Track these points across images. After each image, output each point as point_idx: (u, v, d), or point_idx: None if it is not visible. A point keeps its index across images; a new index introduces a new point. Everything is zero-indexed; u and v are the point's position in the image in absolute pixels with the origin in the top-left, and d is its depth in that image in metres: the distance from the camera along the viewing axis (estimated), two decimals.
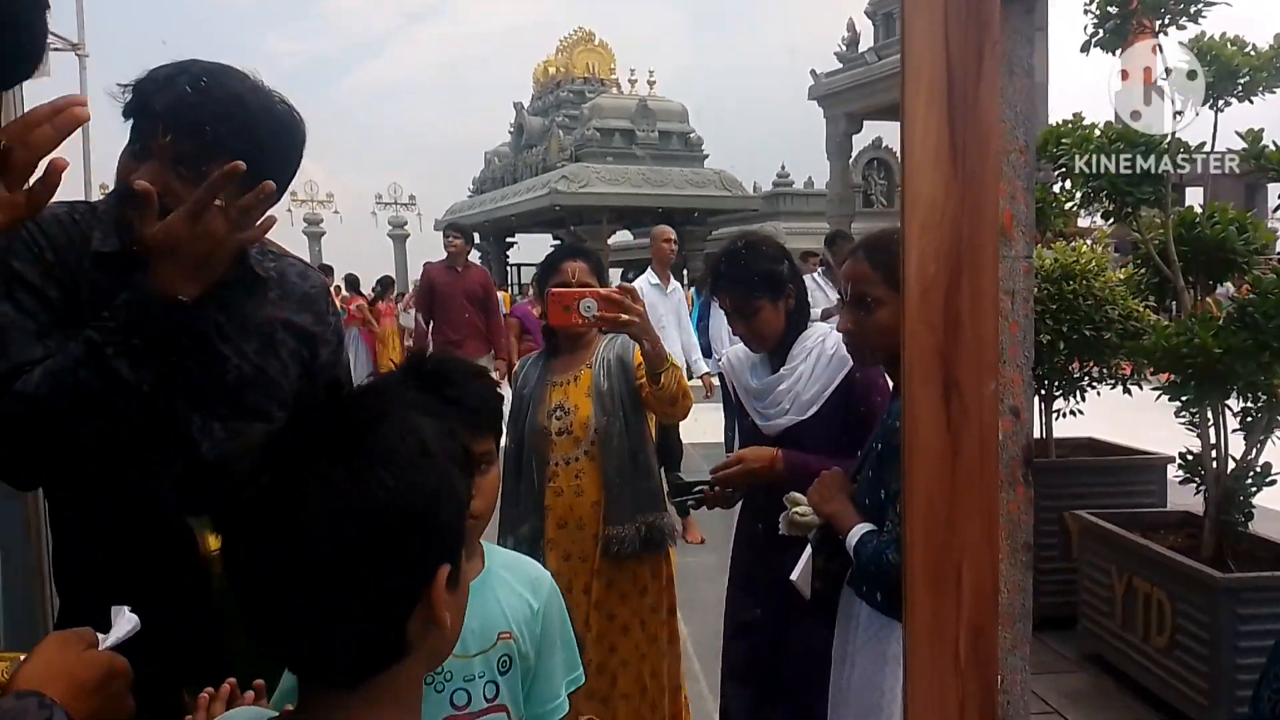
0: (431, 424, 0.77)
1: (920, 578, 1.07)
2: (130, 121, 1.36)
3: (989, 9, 0.97)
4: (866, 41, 20.72)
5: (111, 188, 1.40)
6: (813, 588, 1.97)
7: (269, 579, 0.71)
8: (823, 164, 21.63)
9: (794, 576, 1.99)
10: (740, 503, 2.54)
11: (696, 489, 2.41)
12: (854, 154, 21.85)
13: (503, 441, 2.25)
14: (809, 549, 1.99)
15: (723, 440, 6.13)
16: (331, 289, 10.74)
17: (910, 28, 0.97)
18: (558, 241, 18.69)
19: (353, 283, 15.15)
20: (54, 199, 1.03)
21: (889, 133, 21.53)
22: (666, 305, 6.27)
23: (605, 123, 23.14)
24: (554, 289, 2.34)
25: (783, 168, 23.75)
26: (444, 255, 7.49)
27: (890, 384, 2.19)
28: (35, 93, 1.80)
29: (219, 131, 1.32)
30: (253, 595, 0.73)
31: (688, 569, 3.12)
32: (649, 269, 6.62)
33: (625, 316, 2.22)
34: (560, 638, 1.54)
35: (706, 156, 23.78)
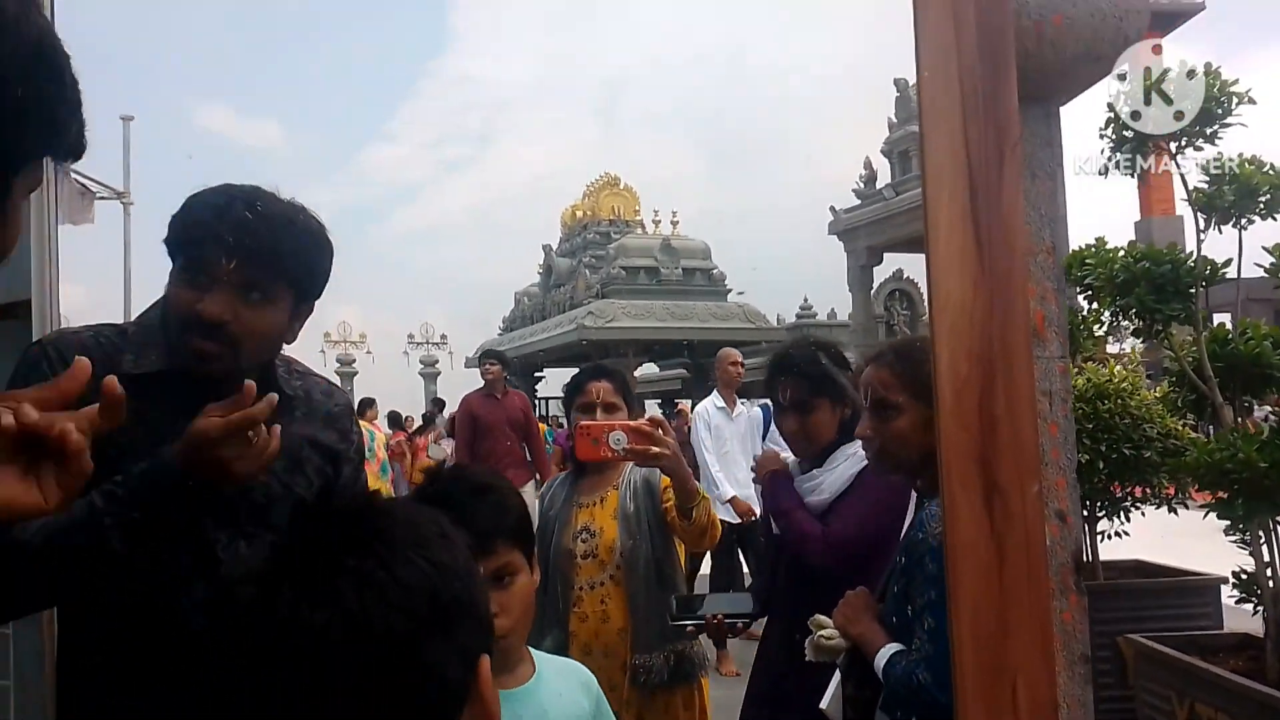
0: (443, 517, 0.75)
1: (971, 694, 1.02)
2: (179, 251, 1.37)
3: (1007, 110, 0.99)
4: (884, 178, 21.25)
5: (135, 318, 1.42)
6: (845, 717, 1.88)
7: (306, 698, 0.63)
8: (845, 296, 21.90)
9: (824, 705, 1.90)
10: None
11: (699, 613, 2.29)
12: (875, 286, 22.12)
13: None
14: (837, 675, 1.90)
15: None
16: (374, 422, 10.78)
17: (929, 130, 0.99)
18: None
19: (395, 420, 15.27)
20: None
21: (909, 265, 21.84)
22: (732, 430, 6.05)
23: (630, 261, 23.68)
24: (582, 423, 2.30)
25: (805, 300, 24.05)
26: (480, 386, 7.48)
27: (910, 493, 2.14)
28: (78, 239, 1.84)
29: (281, 253, 1.35)
30: None
31: (722, 702, 2.99)
32: (714, 392, 6.38)
33: (655, 449, 2.17)
34: None
35: (730, 291, 24.16)
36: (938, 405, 1.00)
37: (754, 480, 2.70)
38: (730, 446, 5.92)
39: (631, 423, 2.24)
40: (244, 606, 0.65)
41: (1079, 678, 1.09)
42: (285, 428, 1.49)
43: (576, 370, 2.80)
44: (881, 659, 1.73)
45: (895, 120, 20.61)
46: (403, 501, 0.78)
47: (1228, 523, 3.10)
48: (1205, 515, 3.18)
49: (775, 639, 2.43)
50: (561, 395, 3.02)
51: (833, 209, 21.98)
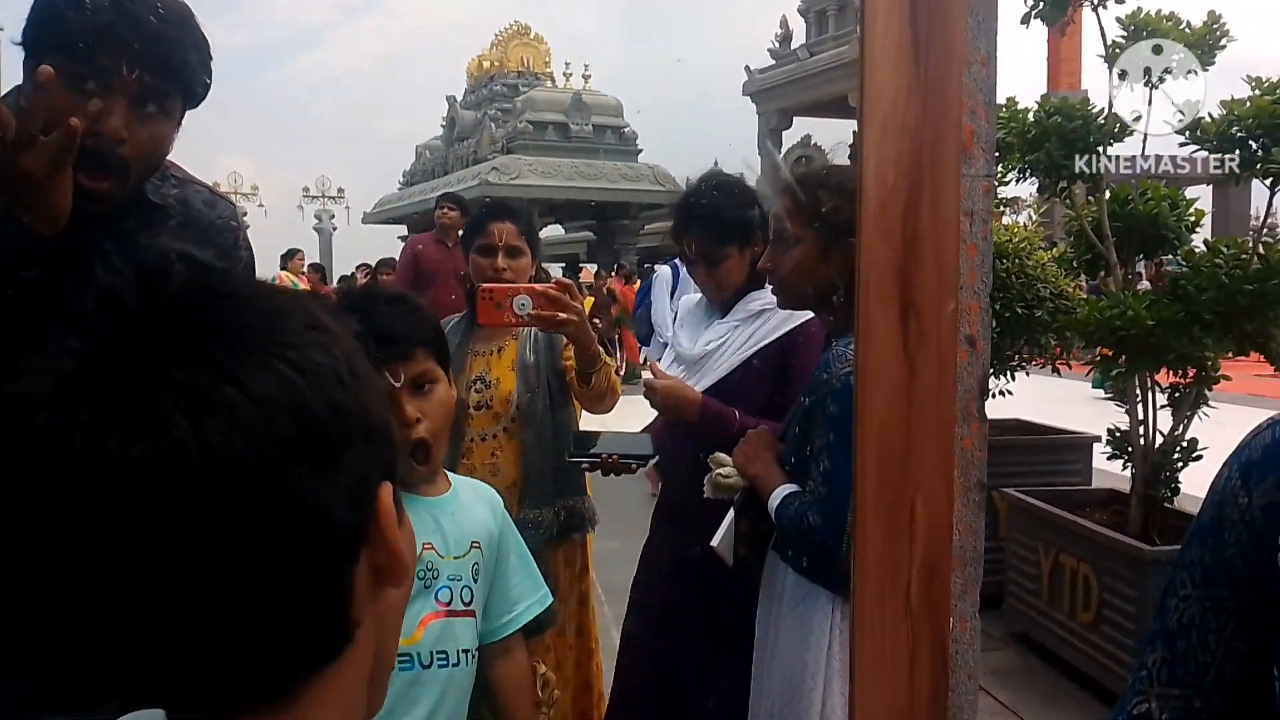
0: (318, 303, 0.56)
1: (871, 513, 1.00)
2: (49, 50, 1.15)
3: None
4: (799, 39, 20.88)
5: None
6: (736, 554, 1.90)
7: (125, 563, 0.44)
8: (755, 160, 21.71)
9: (715, 542, 1.91)
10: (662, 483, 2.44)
11: (593, 452, 2.21)
12: (783, 150, 22.01)
13: None
14: (731, 513, 1.91)
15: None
16: (300, 274, 10.22)
17: None
18: None
19: (318, 271, 14.51)
20: None
21: (818, 129, 21.74)
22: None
23: (538, 116, 22.93)
24: (484, 286, 2.09)
25: (715, 163, 23.78)
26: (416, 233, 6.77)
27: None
28: None
29: (181, 56, 1.20)
30: (88, 594, 0.45)
31: (610, 555, 3.01)
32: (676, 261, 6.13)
33: (563, 315, 2.02)
34: (516, 555, 1.59)
35: (640, 151, 23.73)
36: (860, 215, 0.95)
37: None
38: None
39: (538, 286, 2.09)
40: (32, 441, 0.45)
41: (973, 504, 1.08)
42: (153, 239, 1.35)
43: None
44: (775, 500, 1.73)
45: None
46: (265, 287, 0.55)
47: (1102, 387, 3.23)
48: (1089, 373, 3.29)
49: (672, 478, 2.43)
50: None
51: (748, 69, 21.59)
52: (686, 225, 2.32)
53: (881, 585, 1.00)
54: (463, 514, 1.49)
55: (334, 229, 33.22)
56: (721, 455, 1.92)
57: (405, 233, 25.49)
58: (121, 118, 1.17)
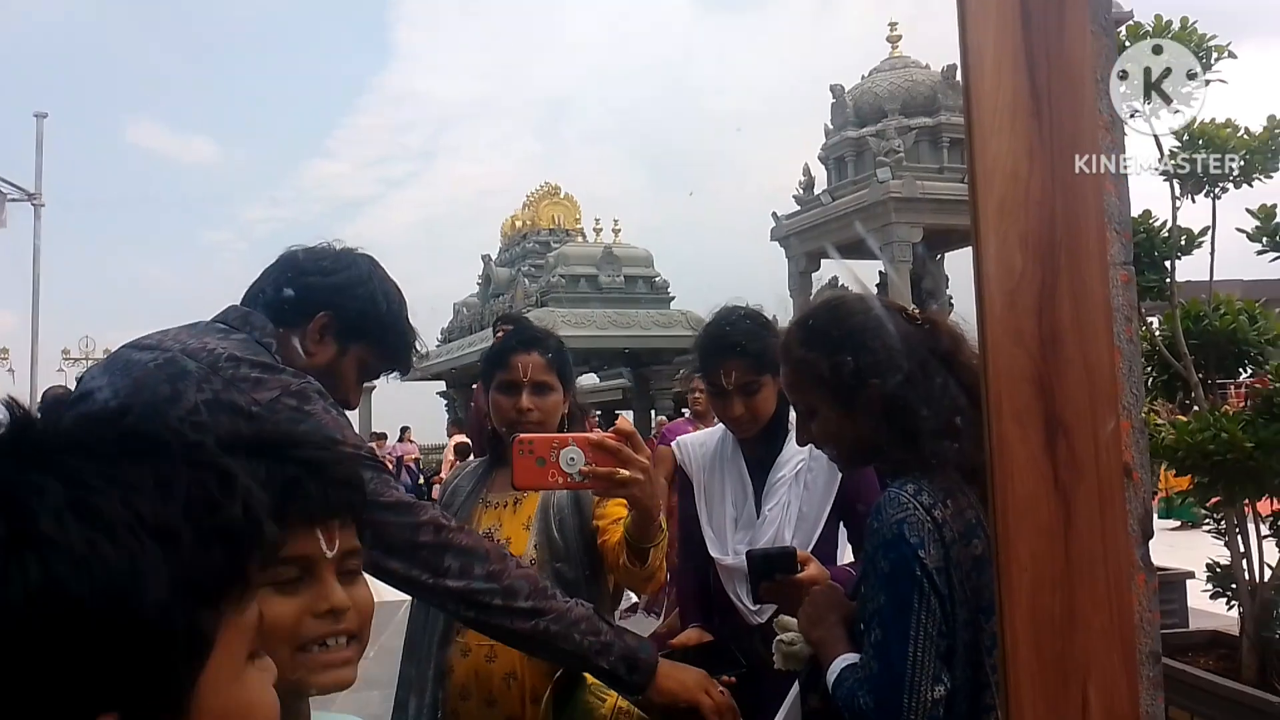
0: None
1: (1029, 701, 0.75)
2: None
3: None
4: (820, 185, 21.29)
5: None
6: None
7: None
8: (786, 303, 21.81)
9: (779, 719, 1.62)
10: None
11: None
12: (813, 292, 22.14)
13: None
14: (796, 686, 1.61)
15: None
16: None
17: None
18: None
19: None
20: None
21: (843, 272, 21.88)
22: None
23: (570, 269, 23.36)
24: (520, 436, 1.58)
25: (746, 305, 23.95)
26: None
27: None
28: None
29: None
30: None
31: None
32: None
33: (625, 473, 1.51)
34: None
35: (673, 298, 23.97)
36: (982, 312, 0.74)
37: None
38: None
39: (591, 435, 1.61)
40: None
41: (1149, 683, 0.82)
42: None
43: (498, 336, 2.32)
44: (832, 673, 1.43)
45: (831, 126, 20.69)
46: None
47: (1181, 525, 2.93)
48: (1183, 501, 2.99)
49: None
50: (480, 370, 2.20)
51: (774, 215, 21.98)
52: (721, 354, 2.11)
53: None
54: None
55: (374, 387, 33.60)
56: (786, 619, 1.64)
57: (444, 388, 25.66)
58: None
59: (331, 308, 1.60)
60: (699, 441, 2.18)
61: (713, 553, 2.09)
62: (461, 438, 11.37)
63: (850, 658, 1.43)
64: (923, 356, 1.40)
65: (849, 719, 1.38)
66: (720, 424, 2.24)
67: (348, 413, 1.64)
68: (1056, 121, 0.75)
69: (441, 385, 23.93)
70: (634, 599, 4.62)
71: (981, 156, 0.74)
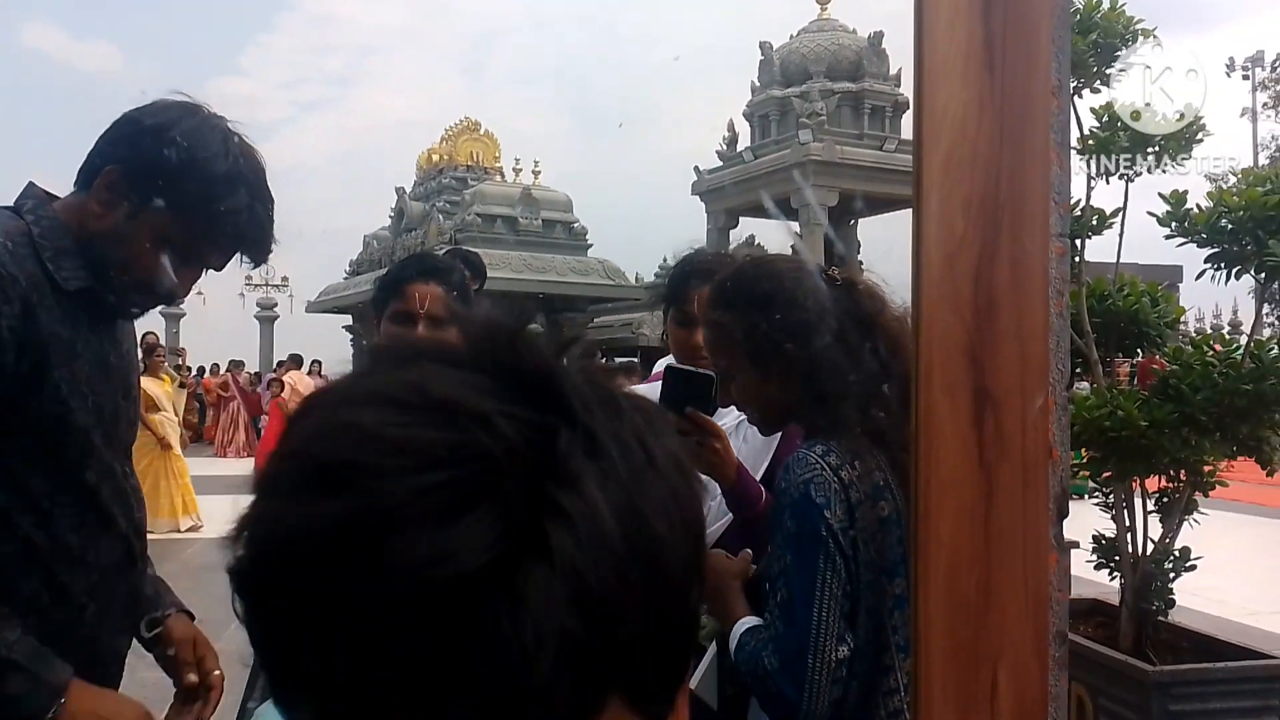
0: None
1: (938, 687, 0.72)
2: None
3: None
4: (744, 143, 21.28)
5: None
6: (721, 695, 1.58)
7: None
8: None
9: (693, 684, 1.59)
10: None
11: None
12: (730, 248, 22.22)
13: None
14: (712, 648, 1.59)
15: None
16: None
17: None
18: None
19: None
20: None
21: (761, 230, 22.02)
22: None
23: (487, 208, 22.92)
24: None
25: (665, 260, 23.93)
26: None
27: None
28: None
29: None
30: None
31: None
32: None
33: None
34: None
35: (590, 246, 23.77)
36: (919, 275, 0.69)
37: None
38: None
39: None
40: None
41: (1055, 663, 0.80)
42: None
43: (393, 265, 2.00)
44: (733, 637, 1.41)
45: (758, 84, 20.64)
46: None
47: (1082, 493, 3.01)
48: (1076, 474, 3.08)
49: None
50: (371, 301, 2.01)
51: (696, 169, 21.92)
52: (700, 279, 2.03)
53: None
54: None
55: (276, 318, 32.68)
56: None
57: (350, 322, 25.06)
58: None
59: (119, 161, 1.31)
60: (644, 390, 2.11)
61: None
62: None
63: (750, 620, 1.41)
64: (840, 319, 1.37)
65: (752, 681, 1.37)
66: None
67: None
68: (1009, 77, 0.70)
69: (348, 319, 23.35)
70: None
71: (930, 104, 0.69)
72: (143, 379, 9.40)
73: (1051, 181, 0.81)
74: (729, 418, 2.01)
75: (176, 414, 9.85)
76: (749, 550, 1.58)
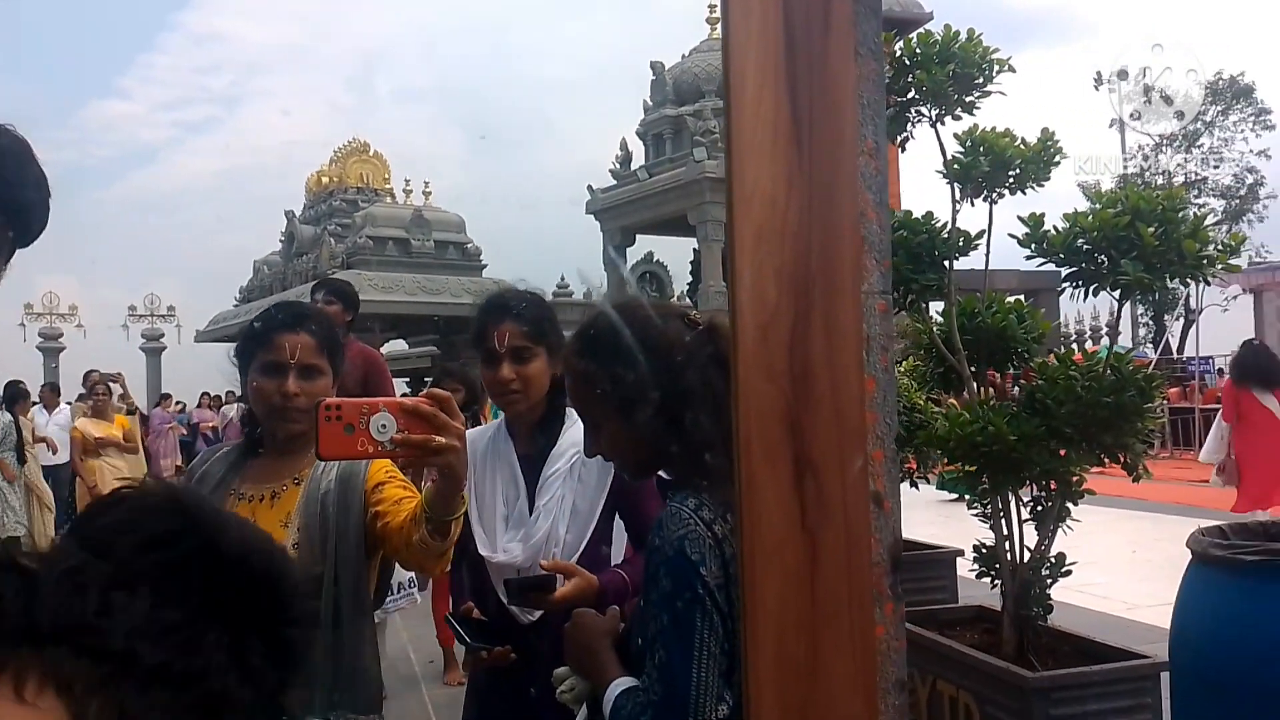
0: None
1: None
2: None
3: None
4: (639, 160, 21.46)
5: None
6: None
7: None
8: (600, 277, 21.95)
9: None
10: None
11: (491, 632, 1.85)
12: (628, 267, 22.34)
13: None
14: (583, 711, 1.53)
15: None
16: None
17: None
18: None
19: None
20: None
21: (660, 247, 22.22)
22: None
23: (379, 231, 22.53)
24: (328, 401, 1.40)
25: (562, 278, 23.92)
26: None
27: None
28: None
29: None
30: None
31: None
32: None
33: (441, 440, 1.40)
34: None
35: (485, 266, 23.60)
36: (736, 346, 0.70)
37: None
38: None
39: (406, 400, 1.45)
40: None
41: (894, 712, 0.82)
42: None
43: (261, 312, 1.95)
44: (609, 701, 1.37)
45: (651, 103, 20.87)
46: None
47: (955, 499, 3.11)
48: (945, 486, 3.18)
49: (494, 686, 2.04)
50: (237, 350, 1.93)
51: (590, 188, 22.02)
52: (496, 316, 2.04)
53: None
54: None
55: (163, 349, 31.54)
56: (560, 671, 1.55)
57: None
58: None
59: None
60: (471, 436, 2.07)
61: (482, 551, 2.02)
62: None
63: (625, 682, 1.38)
64: (703, 365, 1.37)
65: None
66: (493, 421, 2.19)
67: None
68: (818, 149, 0.72)
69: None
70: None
71: (740, 181, 0.70)
72: (89, 423, 8.57)
73: (870, 241, 0.83)
74: (561, 462, 2.03)
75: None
76: (617, 608, 1.57)
